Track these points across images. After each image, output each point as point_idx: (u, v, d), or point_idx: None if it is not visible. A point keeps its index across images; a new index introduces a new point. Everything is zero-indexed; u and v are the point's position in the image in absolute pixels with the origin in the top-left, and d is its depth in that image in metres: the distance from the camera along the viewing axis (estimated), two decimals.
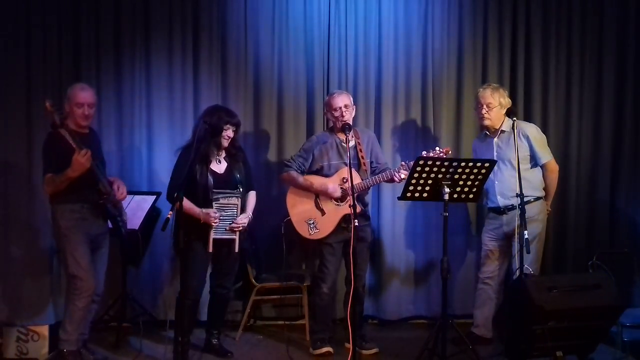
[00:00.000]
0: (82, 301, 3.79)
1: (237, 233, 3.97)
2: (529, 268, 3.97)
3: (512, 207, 4.21)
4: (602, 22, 4.98)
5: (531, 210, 4.15)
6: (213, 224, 3.86)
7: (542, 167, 4.33)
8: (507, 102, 4.30)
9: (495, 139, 4.32)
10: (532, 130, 4.34)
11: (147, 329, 4.65)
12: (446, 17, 4.97)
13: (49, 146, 3.79)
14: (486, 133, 4.38)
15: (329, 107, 4.20)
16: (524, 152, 4.21)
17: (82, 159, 3.61)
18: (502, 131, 4.30)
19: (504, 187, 4.24)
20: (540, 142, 4.32)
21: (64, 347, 3.82)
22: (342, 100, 4.17)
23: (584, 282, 3.71)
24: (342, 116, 4.13)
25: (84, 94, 3.87)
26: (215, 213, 3.87)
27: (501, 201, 4.26)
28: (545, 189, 4.36)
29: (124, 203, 4.44)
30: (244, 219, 3.99)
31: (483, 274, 4.44)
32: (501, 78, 4.92)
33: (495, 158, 4.22)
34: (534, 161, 4.30)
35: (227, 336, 4.55)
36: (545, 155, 4.32)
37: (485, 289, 4.42)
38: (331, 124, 4.33)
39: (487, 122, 4.28)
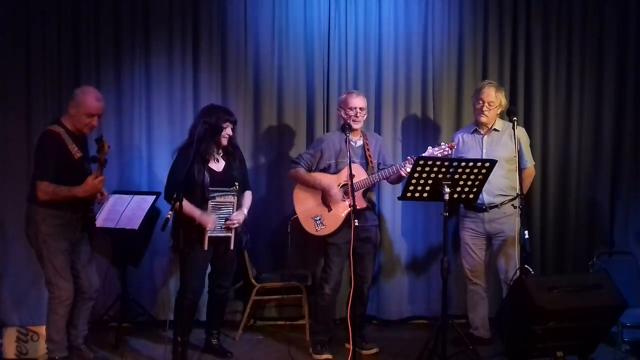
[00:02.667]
0: (61, 309, 3.73)
1: (233, 230, 3.96)
2: (529, 268, 3.98)
3: (495, 205, 4.23)
4: (602, 22, 4.97)
5: (509, 208, 4.21)
6: (208, 228, 3.86)
7: (523, 170, 4.33)
8: (505, 102, 4.33)
9: (486, 137, 4.32)
10: (522, 133, 4.37)
11: (147, 329, 4.66)
12: (446, 17, 4.97)
13: (47, 149, 3.63)
14: (476, 128, 4.38)
15: (344, 104, 4.18)
16: (513, 153, 4.21)
17: (99, 184, 3.56)
18: (495, 130, 4.31)
19: (490, 185, 4.20)
20: (527, 146, 4.40)
21: (55, 356, 3.79)
22: (360, 102, 4.19)
23: (584, 282, 3.71)
24: (356, 116, 4.15)
25: (98, 105, 3.73)
26: (214, 222, 3.88)
27: (486, 199, 4.25)
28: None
29: (123, 204, 4.47)
30: (239, 216, 3.99)
31: (469, 273, 4.43)
32: (501, 78, 4.91)
33: (484, 155, 4.24)
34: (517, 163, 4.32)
35: (227, 336, 4.55)
36: (530, 160, 4.40)
37: (475, 290, 4.42)
38: (342, 122, 4.29)
39: (484, 120, 4.28)
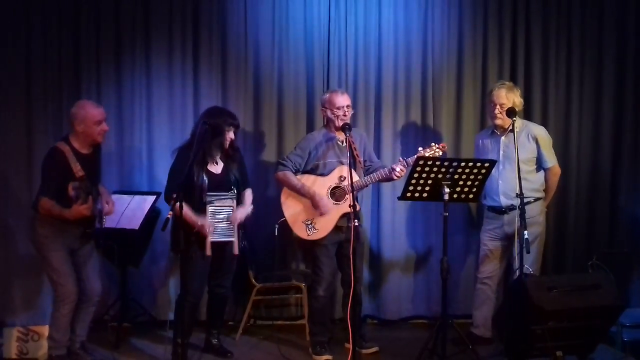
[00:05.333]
0: (65, 307, 3.79)
1: (235, 235, 3.95)
2: (529, 268, 3.97)
3: (514, 207, 4.20)
4: (602, 21, 4.97)
5: (532, 210, 4.16)
6: (207, 234, 3.85)
7: (547, 170, 4.32)
8: (519, 102, 4.28)
9: (503, 138, 4.30)
10: (541, 133, 4.33)
11: (147, 329, 4.67)
12: (446, 17, 4.97)
13: (50, 167, 3.74)
14: (493, 130, 4.37)
15: (330, 104, 4.13)
16: (531, 154, 4.21)
17: (84, 210, 3.61)
18: (511, 131, 4.29)
19: (507, 186, 4.22)
20: (547, 145, 4.33)
21: (52, 353, 3.86)
22: (346, 99, 4.15)
23: (583, 282, 3.71)
24: (345, 116, 4.11)
25: (99, 110, 3.85)
26: (210, 227, 3.86)
27: (503, 201, 4.25)
28: (545, 190, 4.37)
29: (123, 204, 4.48)
30: (241, 213, 3.98)
31: (481, 273, 4.43)
32: (501, 78, 4.90)
33: (501, 157, 4.22)
34: (539, 163, 4.30)
35: (227, 336, 4.55)
36: (551, 159, 4.33)
37: (484, 289, 4.42)
38: (326, 121, 4.27)
39: (498, 122, 4.26)
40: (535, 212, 4.22)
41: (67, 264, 3.79)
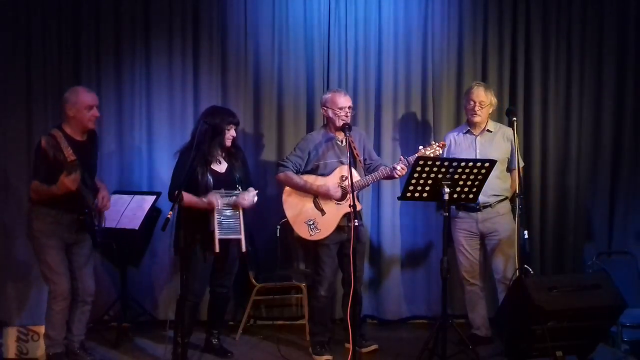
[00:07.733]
0: (58, 304, 3.78)
1: (242, 232, 3.93)
2: (528, 268, 3.98)
3: (488, 205, 4.25)
4: (602, 21, 4.97)
5: (504, 207, 4.28)
6: (216, 207, 3.82)
7: (512, 170, 4.34)
8: (495, 101, 4.39)
9: (478, 137, 4.33)
10: (513, 135, 4.37)
11: (147, 329, 4.67)
12: (446, 17, 4.97)
13: (40, 151, 3.71)
14: (469, 129, 4.39)
15: (332, 103, 4.12)
16: (505, 154, 4.28)
17: (68, 182, 3.56)
18: (488, 130, 4.32)
19: (485, 185, 4.23)
20: (518, 147, 4.38)
21: (49, 351, 3.86)
22: (348, 100, 4.15)
23: (583, 282, 3.71)
24: (347, 116, 4.12)
25: (91, 96, 3.85)
26: (218, 200, 3.83)
27: (481, 199, 4.22)
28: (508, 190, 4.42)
29: (123, 204, 4.48)
30: (248, 198, 3.93)
31: (466, 274, 4.43)
32: (501, 78, 4.92)
33: (478, 156, 4.25)
34: (507, 164, 4.35)
35: (227, 336, 4.55)
36: (520, 161, 4.39)
37: (473, 290, 4.42)
38: (326, 121, 4.27)
39: (477, 119, 4.29)
40: (507, 209, 4.31)
41: (62, 261, 3.79)
